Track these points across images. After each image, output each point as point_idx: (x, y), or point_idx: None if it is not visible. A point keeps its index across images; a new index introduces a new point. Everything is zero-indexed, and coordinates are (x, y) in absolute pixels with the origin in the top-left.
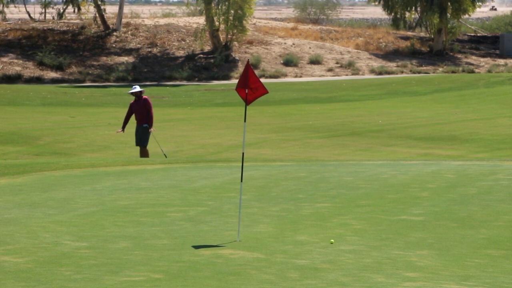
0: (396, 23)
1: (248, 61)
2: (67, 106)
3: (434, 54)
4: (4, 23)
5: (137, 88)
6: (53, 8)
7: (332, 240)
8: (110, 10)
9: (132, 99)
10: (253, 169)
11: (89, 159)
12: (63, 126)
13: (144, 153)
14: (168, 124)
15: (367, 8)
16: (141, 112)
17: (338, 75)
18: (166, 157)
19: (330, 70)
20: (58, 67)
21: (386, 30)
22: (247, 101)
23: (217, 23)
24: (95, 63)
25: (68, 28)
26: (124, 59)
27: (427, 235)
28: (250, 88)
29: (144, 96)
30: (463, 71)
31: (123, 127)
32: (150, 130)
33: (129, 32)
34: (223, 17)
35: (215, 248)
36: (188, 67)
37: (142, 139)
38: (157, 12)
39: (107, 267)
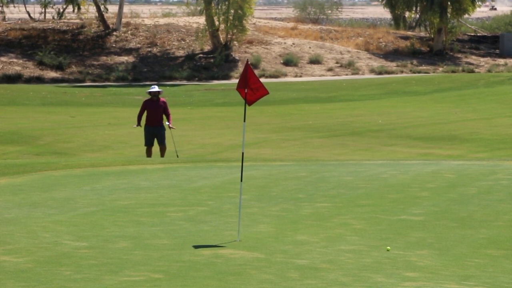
0: (397, 22)
1: (247, 61)
2: (67, 106)
3: (434, 54)
4: (4, 23)
5: (156, 88)
6: (53, 7)
7: (389, 248)
8: (110, 10)
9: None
10: (253, 169)
11: (89, 159)
12: (63, 126)
13: (164, 151)
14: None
15: (367, 8)
16: (157, 113)
17: (338, 75)
18: (177, 156)
19: (330, 70)
20: (58, 67)
21: (386, 30)
22: (249, 102)
23: (217, 23)
24: (95, 63)
25: (68, 28)
26: (124, 59)
27: (427, 235)
28: (251, 89)
29: (162, 98)
30: (463, 71)
31: (139, 122)
32: (171, 127)
33: (129, 32)
34: (223, 16)
35: (215, 248)
36: (188, 67)
37: (162, 138)
38: (157, 12)
39: (107, 267)
